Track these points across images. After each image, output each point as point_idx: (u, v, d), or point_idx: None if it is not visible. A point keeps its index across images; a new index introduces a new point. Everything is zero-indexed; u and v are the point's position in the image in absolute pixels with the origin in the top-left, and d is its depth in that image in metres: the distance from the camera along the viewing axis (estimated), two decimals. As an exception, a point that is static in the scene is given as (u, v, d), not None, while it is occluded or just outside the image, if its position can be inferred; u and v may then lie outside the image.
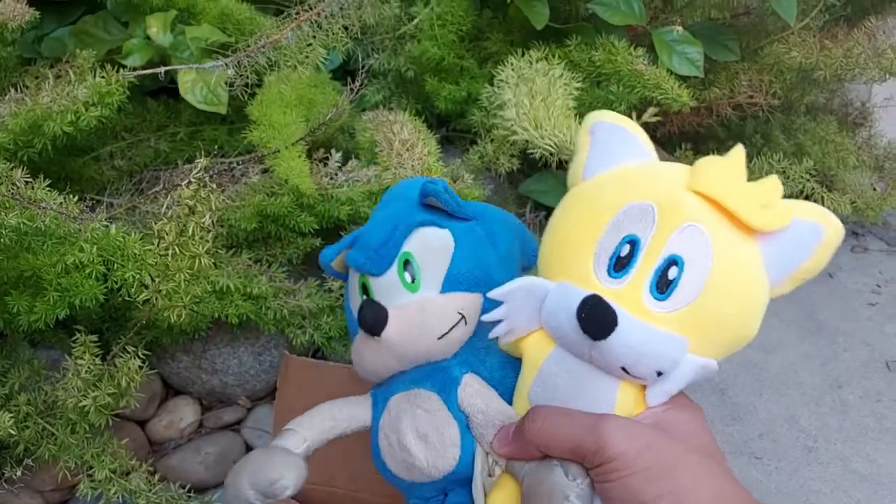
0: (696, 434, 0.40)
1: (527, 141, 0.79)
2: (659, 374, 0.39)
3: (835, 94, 1.29)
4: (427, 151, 0.85)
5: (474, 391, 0.46)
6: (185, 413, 0.91)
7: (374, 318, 0.45)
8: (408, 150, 0.84)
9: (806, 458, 0.96)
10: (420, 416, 0.46)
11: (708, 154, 1.14)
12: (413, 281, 0.47)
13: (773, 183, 0.41)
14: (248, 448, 0.93)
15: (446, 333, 0.46)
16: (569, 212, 0.44)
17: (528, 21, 0.94)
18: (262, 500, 0.44)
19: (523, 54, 0.93)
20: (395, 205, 0.50)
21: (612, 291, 0.40)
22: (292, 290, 0.86)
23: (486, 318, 0.45)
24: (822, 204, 1.02)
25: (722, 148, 1.14)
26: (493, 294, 0.44)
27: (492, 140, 0.98)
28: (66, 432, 0.72)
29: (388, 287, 0.47)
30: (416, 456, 0.45)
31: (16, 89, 0.77)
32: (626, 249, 0.41)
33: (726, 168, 0.41)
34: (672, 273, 0.40)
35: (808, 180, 1.00)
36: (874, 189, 1.24)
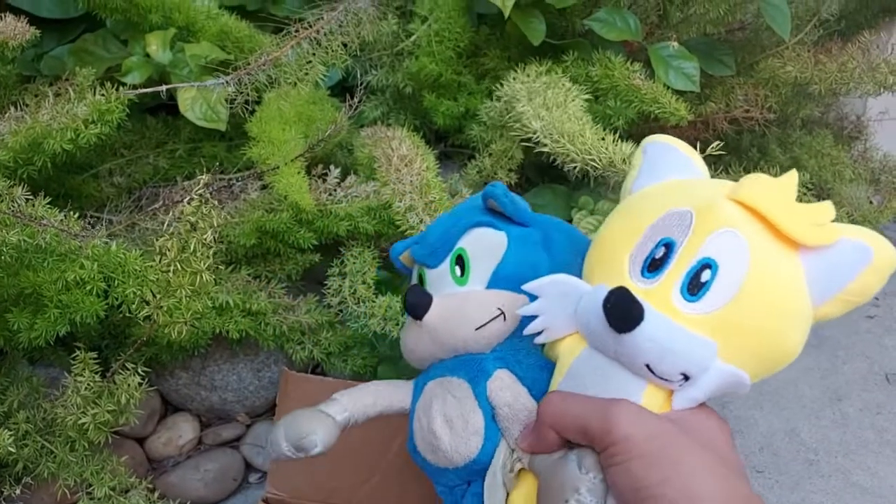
0: (714, 438, 0.39)
1: (559, 153, 0.80)
2: (686, 377, 0.39)
3: (830, 107, 1.29)
4: (426, 167, 0.85)
5: (504, 385, 0.47)
6: (184, 430, 0.91)
7: (416, 301, 0.48)
8: (406, 165, 0.85)
9: (807, 472, 0.96)
10: (449, 401, 0.48)
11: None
12: (462, 275, 0.50)
13: (826, 207, 0.40)
14: (248, 465, 0.92)
15: (484, 325, 0.48)
16: (611, 221, 0.46)
17: (525, 37, 0.95)
18: (294, 452, 0.48)
19: (523, 69, 0.94)
20: (461, 207, 0.54)
21: (642, 290, 0.40)
22: (291, 306, 0.86)
23: (522, 311, 0.46)
24: (820, 217, 1.02)
25: (719, 162, 1.15)
26: (527, 286, 0.45)
27: (490, 154, 0.98)
28: (66, 450, 0.71)
29: (439, 278, 0.51)
30: (441, 439, 0.47)
31: (15, 107, 0.77)
32: (660, 252, 0.41)
33: (775, 184, 0.41)
34: (705, 276, 0.39)
35: (806, 193, 1.00)
36: (870, 202, 1.24)
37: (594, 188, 1.14)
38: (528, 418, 0.45)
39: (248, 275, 0.86)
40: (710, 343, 0.39)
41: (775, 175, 1.05)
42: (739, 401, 1.05)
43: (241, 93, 0.77)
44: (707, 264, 0.39)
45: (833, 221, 0.40)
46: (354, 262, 0.86)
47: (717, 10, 0.98)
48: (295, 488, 0.73)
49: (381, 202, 0.85)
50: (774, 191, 0.40)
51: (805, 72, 0.99)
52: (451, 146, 1.12)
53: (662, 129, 1.10)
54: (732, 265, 0.39)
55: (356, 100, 0.84)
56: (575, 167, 0.81)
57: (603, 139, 0.79)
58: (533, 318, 0.45)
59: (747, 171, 1.09)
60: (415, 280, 0.54)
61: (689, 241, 0.40)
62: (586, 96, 0.89)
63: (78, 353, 0.68)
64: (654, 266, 0.41)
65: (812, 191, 1.02)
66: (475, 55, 1.07)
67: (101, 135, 0.75)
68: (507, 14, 0.90)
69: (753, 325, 0.39)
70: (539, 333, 0.45)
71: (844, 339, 1.19)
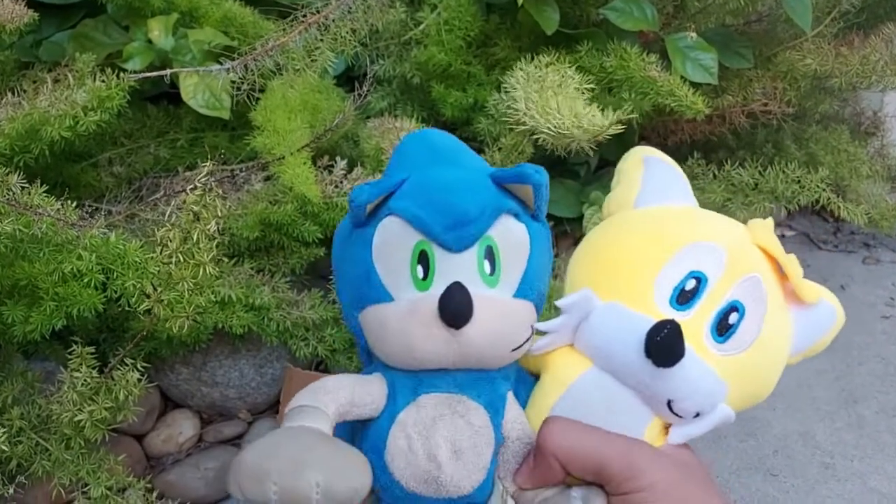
0: (704, 473, 0.40)
1: (533, 133, 0.77)
2: (697, 415, 0.40)
3: (847, 103, 1.27)
4: (435, 159, 0.83)
5: (517, 414, 0.42)
6: (184, 427, 0.88)
7: (460, 309, 0.37)
8: (415, 157, 0.82)
9: (823, 475, 0.93)
10: (461, 428, 0.40)
11: (719, 163, 1.12)
12: (492, 274, 0.41)
13: (795, 260, 0.42)
14: (249, 463, 0.90)
15: (519, 347, 0.41)
16: (625, 236, 0.44)
17: (538, 26, 0.92)
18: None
19: (532, 60, 0.91)
20: (479, 176, 0.43)
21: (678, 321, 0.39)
22: (295, 301, 0.84)
23: (543, 326, 0.42)
24: (839, 214, 1.00)
25: (733, 157, 1.12)
26: (562, 303, 0.41)
27: (500, 148, 0.95)
28: (61, 448, 0.69)
29: (460, 268, 0.40)
30: (444, 470, 0.39)
31: (13, 93, 0.75)
32: (691, 284, 0.41)
33: (773, 233, 0.43)
34: (732, 318, 0.40)
35: (825, 190, 0.98)
36: (886, 200, 1.22)
37: (605, 183, 1.12)
38: (528, 451, 0.41)
39: (251, 268, 0.84)
40: (724, 385, 0.39)
41: (793, 171, 1.03)
42: (752, 402, 1.03)
43: (247, 80, 0.75)
44: (735, 307, 0.40)
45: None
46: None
47: (736, 1, 0.96)
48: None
49: (388, 195, 0.82)
50: (777, 241, 0.42)
51: (825, 65, 0.96)
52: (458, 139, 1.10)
53: (677, 123, 1.08)
54: (756, 312, 0.40)
55: (364, 89, 0.81)
56: (544, 141, 0.78)
57: (571, 109, 0.76)
58: None
59: (763, 167, 1.07)
60: (411, 255, 0.41)
61: (721, 281, 0.40)
62: (591, 85, 0.86)
63: (75, 347, 0.66)
64: (684, 298, 0.41)
65: (830, 187, 1.00)
66: (485, 45, 1.04)
67: (100, 122, 0.73)
68: (519, 2, 0.87)
69: (758, 371, 0.41)
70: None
71: (859, 341, 1.16)
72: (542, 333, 0.43)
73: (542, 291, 0.44)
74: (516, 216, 0.42)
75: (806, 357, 0.44)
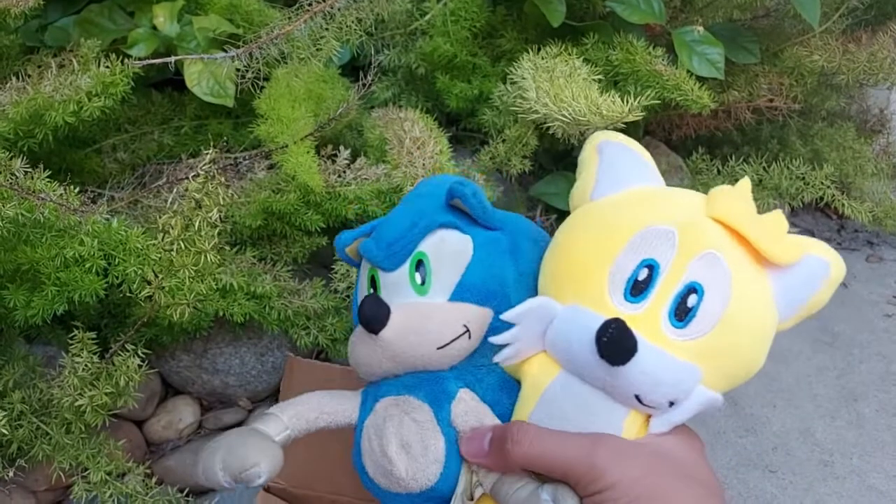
0: (693, 463, 0.39)
1: (545, 121, 0.77)
2: (671, 404, 0.39)
3: (853, 100, 1.26)
4: (438, 150, 0.82)
5: (469, 408, 0.44)
6: (184, 413, 0.89)
7: (373, 315, 0.43)
8: (419, 148, 0.82)
9: (821, 473, 0.93)
10: (407, 424, 0.44)
11: (724, 158, 1.12)
12: (423, 283, 0.45)
13: (779, 216, 0.41)
14: (249, 451, 0.90)
15: (447, 344, 0.43)
16: (580, 232, 0.43)
17: (544, 18, 0.92)
18: (231, 483, 0.42)
19: (538, 52, 0.91)
20: (421, 201, 0.48)
21: (629, 316, 0.39)
22: (297, 290, 0.84)
23: (496, 340, 0.43)
24: (843, 211, 1.00)
25: (737, 153, 1.12)
26: (507, 316, 0.42)
27: (503, 140, 0.95)
28: (61, 432, 0.69)
29: (396, 284, 0.45)
30: (396, 465, 0.43)
31: (18, 78, 0.75)
32: (643, 273, 0.39)
33: (740, 197, 0.40)
34: (691, 301, 0.39)
35: (829, 186, 0.98)
36: (891, 198, 1.21)
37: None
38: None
39: (253, 257, 0.84)
40: (695, 369, 0.38)
41: (798, 167, 1.02)
42: (752, 399, 1.03)
43: (251, 68, 0.75)
44: (693, 289, 0.39)
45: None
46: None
47: (745, -5, 0.95)
48: (298, 477, 0.71)
49: (391, 185, 0.82)
50: (745, 206, 0.40)
51: (833, 61, 0.96)
52: (462, 130, 1.10)
53: (682, 118, 1.08)
54: (717, 289, 0.38)
55: (369, 79, 0.81)
56: (556, 130, 0.78)
57: (587, 98, 0.75)
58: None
59: (768, 163, 1.07)
60: (365, 281, 0.48)
61: (674, 264, 0.39)
62: (598, 77, 0.86)
63: (76, 332, 0.66)
64: (637, 289, 0.40)
65: (835, 184, 0.99)
66: (491, 36, 1.04)
67: (104, 108, 0.73)
68: (526, -7, 0.87)
69: (734, 348, 0.39)
70: (499, 349, 0.43)
71: (860, 339, 1.16)
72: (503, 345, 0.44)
73: (494, 291, 0.45)
74: (458, 228, 0.45)
75: (804, 318, 0.42)
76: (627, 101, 0.73)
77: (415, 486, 0.43)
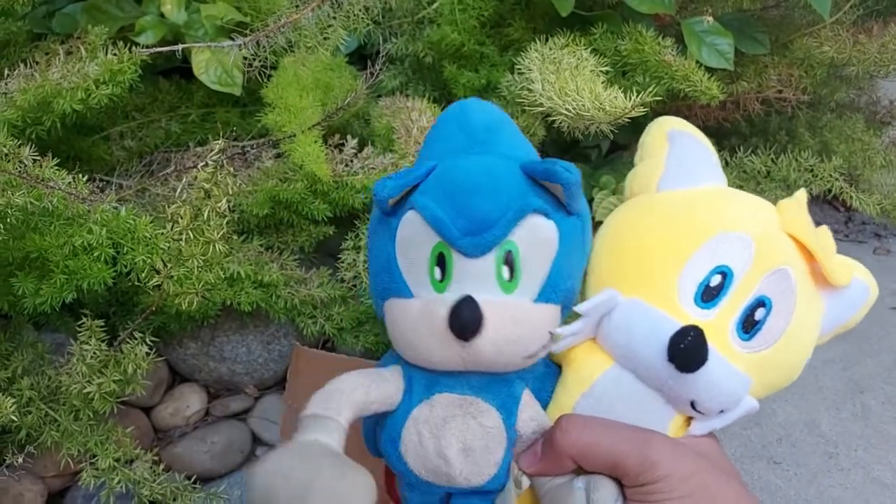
0: (723, 460, 0.40)
1: (548, 115, 0.76)
2: (721, 411, 0.39)
3: (863, 91, 1.25)
4: (446, 139, 0.82)
5: (533, 413, 0.42)
6: (191, 401, 0.89)
7: (466, 324, 0.37)
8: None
9: (826, 465, 0.93)
10: (473, 429, 0.40)
11: (732, 149, 1.11)
12: (511, 279, 0.39)
13: (827, 233, 0.40)
14: (255, 438, 0.91)
15: (533, 354, 0.40)
16: (649, 224, 0.41)
17: (553, 7, 0.91)
18: None
19: (547, 41, 0.90)
20: (501, 167, 0.40)
21: (700, 323, 0.38)
22: (304, 279, 0.84)
23: (562, 331, 0.40)
24: (851, 203, 0.99)
25: (745, 144, 1.11)
26: (581, 308, 0.40)
27: (512, 130, 0.95)
28: (70, 419, 0.70)
29: (476, 274, 0.39)
30: (453, 466, 0.40)
31: (26, 65, 0.75)
32: (716, 280, 0.39)
33: (805, 213, 0.41)
34: (759, 314, 0.39)
35: (837, 179, 0.97)
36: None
37: (616, 167, 1.11)
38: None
39: (261, 245, 0.84)
40: (749, 381, 0.38)
41: (806, 159, 1.01)
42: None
43: (259, 56, 0.74)
44: (762, 302, 0.39)
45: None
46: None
47: (754, -15, 0.95)
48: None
49: (398, 175, 0.82)
50: (809, 222, 0.40)
51: (843, 52, 0.95)
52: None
53: (691, 108, 1.07)
54: (784, 306, 0.38)
55: (377, 68, 0.81)
56: (562, 124, 0.77)
57: (592, 91, 0.75)
58: None
59: (776, 154, 1.06)
60: (429, 257, 0.40)
61: (748, 275, 0.39)
62: (606, 68, 0.85)
63: (84, 320, 0.66)
64: (708, 295, 0.39)
65: (843, 176, 0.99)
66: (499, 25, 1.03)
67: (112, 96, 0.73)
68: (535, -18, 0.86)
69: (786, 363, 0.40)
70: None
71: (869, 331, 1.16)
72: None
73: (571, 289, 0.42)
74: (545, 214, 0.40)
75: (836, 335, 0.43)
76: (630, 98, 0.72)
77: (465, 485, 0.41)
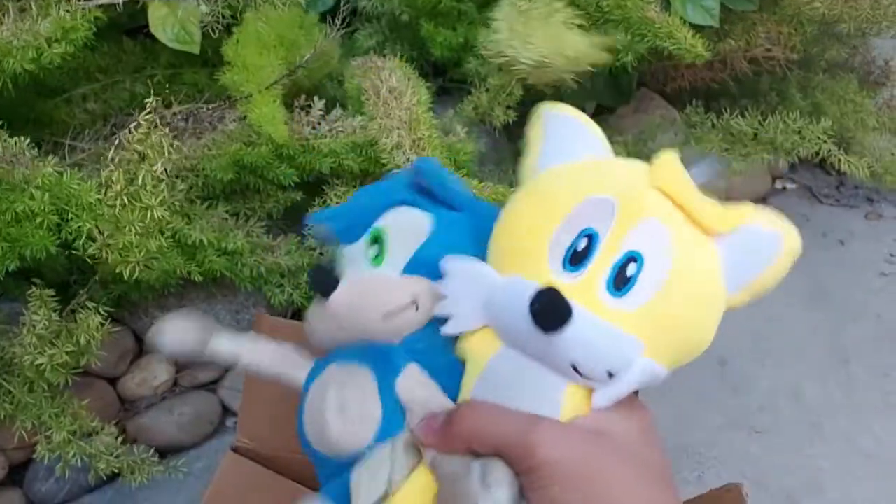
0: (635, 441, 0.38)
1: (511, 64, 0.73)
2: (610, 375, 0.37)
3: (856, 51, 1.21)
4: (416, 101, 0.79)
5: (417, 382, 0.42)
6: (158, 371, 0.87)
7: (318, 280, 0.44)
8: (396, 98, 0.79)
9: (809, 434, 0.92)
10: (348, 388, 0.44)
11: (720, 111, 1.07)
12: (377, 256, 0.46)
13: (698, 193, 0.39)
14: (225, 409, 0.89)
15: (391, 314, 0.43)
16: (521, 204, 0.42)
17: (532, -38, 0.87)
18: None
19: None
20: (390, 180, 0.49)
21: (566, 285, 0.38)
22: (270, 247, 0.81)
23: (435, 311, 0.43)
24: (840, 167, 0.96)
25: (734, 106, 1.08)
26: (441, 263, 0.42)
27: (487, 90, 0.92)
28: (24, 391, 0.68)
29: (354, 257, 0.47)
30: (331, 426, 0.43)
31: (-26, 23, 0.71)
32: (583, 243, 0.39)
33: (675, 165, 0.39)
34: (630, 269, 0.38)
35: (825, 141, 0.94)
36: (892, 154, 1.17)
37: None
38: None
39: (226, 212, 0.81)
40: (635, 339, 0.37)
41: (794, 121, 0.98)
42: (740, 357, 1.01)
43: (217, 12, 0.71)
44: (633, 257, 0.38)
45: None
46: (339, 202, 0.80)
47: (741, -62, 0.90)
48: (266, 439, 0.70)
49: (367, 138, 0.79)
50: (684, 174, 0.39)
51: (834, 9, 0.91)
52: (450, 81, 1.06)
53: (677, 68, 1.04)
54: (657, 258, 0.38)
55: (338, 22, 0.77)
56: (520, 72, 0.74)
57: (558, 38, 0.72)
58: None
59: (765, 117, 1.03)
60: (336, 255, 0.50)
61: (613, 233, 0.38)
62: (579, 21, 0.81)
63: (34, 289, 0.64)
64: (576, 259, 0.39)
65: (833, 138, 0.95)
66: (478, -20, 0.99)
67: (65, 55, 0.69)
68: (511, -66, 0.82)
69: (677, 318, 0.38)
70: (445, 322, 0.42)
71: (855, 297, 1.13)
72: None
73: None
74: (419, 206, 0.46)
75: (759, 293, 0.40)
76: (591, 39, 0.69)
77: (344, 447, 0.42)
